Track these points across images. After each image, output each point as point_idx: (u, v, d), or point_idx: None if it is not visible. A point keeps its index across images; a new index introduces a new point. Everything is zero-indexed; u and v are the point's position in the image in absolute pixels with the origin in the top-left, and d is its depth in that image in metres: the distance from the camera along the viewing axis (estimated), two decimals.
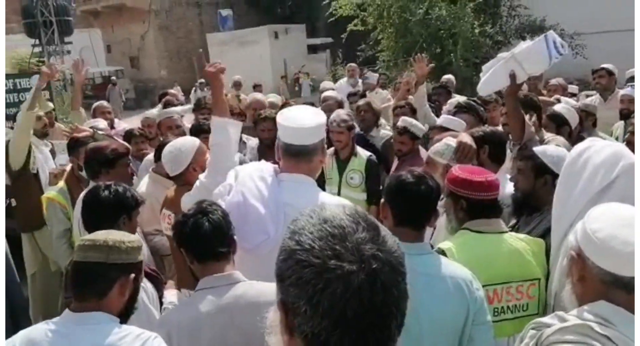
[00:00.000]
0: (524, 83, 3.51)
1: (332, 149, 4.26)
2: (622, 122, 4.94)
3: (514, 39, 12.67)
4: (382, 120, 5.32)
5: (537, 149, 2.66)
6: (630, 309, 1.36)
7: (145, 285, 2.30)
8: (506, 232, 2.26)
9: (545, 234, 2.47)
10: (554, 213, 2.10)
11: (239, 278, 2.03)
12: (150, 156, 4.18)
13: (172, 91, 9.39)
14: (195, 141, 3.15)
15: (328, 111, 5.24)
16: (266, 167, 2.38)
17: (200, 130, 4.04)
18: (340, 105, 5.56)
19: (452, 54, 11.89)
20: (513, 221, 2.73)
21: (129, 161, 3.28)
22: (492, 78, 3.27)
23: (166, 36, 27.86)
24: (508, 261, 2.15)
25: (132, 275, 1.82)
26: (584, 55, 12.03)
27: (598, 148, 1.98)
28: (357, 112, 5.07)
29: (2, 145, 3.69)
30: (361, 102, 5.48)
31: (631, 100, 4.92)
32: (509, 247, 2.18)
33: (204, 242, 2.01)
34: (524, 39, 13.29)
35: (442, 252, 2.14)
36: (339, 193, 4.08)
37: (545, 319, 1.49)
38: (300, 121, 2.28)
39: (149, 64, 28.18)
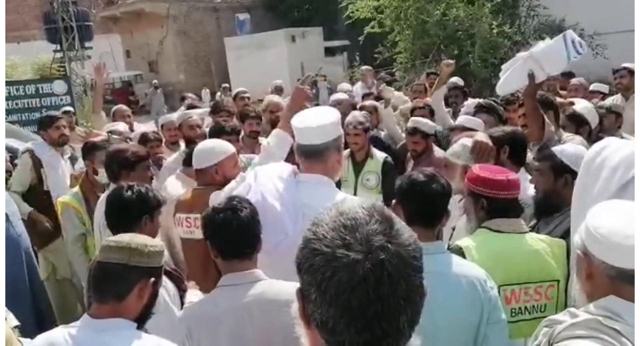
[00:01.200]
0: (543, 83, 3.46)
1: (347, 151, 4.27)
2: None
3: (532, 39, 12.51)
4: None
5: (555, 149, 2.64)
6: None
7: (167, 284, 2.33)
8: (526, 232, 2.24)
9: (566, 234, 2.46)
10: (572, 214, 2.08)
11: (259, 276, 2.06)
12: (172, 158, 4.21)
13: (191, 95, 9.50)
14: (230, 147, 3.17)
15: (343, 114, 5.39)
16: (285, 168, 2.41)
17: (221, 132, 4.07)
18: (354, 107, 5.58)
19: (470, 55, 11.80)
20: (533, 221, 2.71)
21: (149, 164, 3.31)
22: (510, 78, 3.25)
23: (184, 41, 28.12)
24: (527, 261, 2.13)
25: (152, 279, 1.84)
26: (604, 55, 11.85)
27: (615, 147, 1.97)
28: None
29: (2, 145, 3.74)
30: (366, 102, 5.52)
31: None
32: (528, 247, 2.16)
33: (230, 240, 2.04)
34: (542, 39, 13.12)
35: (460, 249, 2.14)
36: (355, 195, 4.08)
37: (557, 316, 1.52)
38: (308, 121, 2.32)
39: (168, 68, 28.46)
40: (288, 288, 2.03)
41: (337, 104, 5.83)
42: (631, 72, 5.74)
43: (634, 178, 1.86)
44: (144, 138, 4.59)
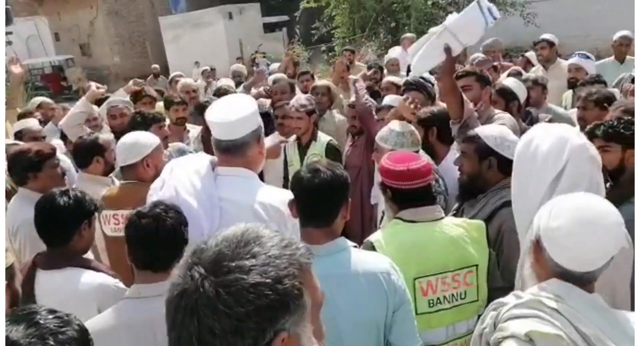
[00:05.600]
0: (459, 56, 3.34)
1: (294, 136, 4.20)
2: (571, 91, 4.92)
3: None
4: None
5: (479, 130, 2.59)
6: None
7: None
8: (442, 218, 2.19)
9: (491, 217, 2.46)
10: (514, 206, 2.05)
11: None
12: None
13: (139, 80, 9.04)
14: (155, 137, 3.04)
15: (281, 93, 5.23)
16: (202, 160, 2.28)
17: (142, 122, 3.85)
18: (292, 86, 5.44)
19: (406, 28, 11.80)
20: (457, 204, 2.70)
21: (57, 161, 3.09)
22: (425, 55, 3.06)
23: (116, 21, 26.92)
24: (442, 250, 2.09)
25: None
26: (535, 24, 12.08)
27: (543, 136, 1.95)
28: (314, 94, 4.93)
29: (2, 145, 3.47)
30: (319, 83, 5.36)
31: (578, 69, 4.91)
32: (443, 235, 2.12)
33: (148, 252, 1.92)
34: None
35: (371, 244, 2.08)
36: None
37: (503, 299, 1.57)
38: (225, 115, 2.17)
39: (101, 50, 27.25)
40: None
41: (274, 82, 5.76)
42: (550, 44, 5.83)
43: (566, 165, 1.85)
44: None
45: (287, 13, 21.88)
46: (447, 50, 3.01)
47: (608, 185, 2.41)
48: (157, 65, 12.59)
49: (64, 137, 4.62)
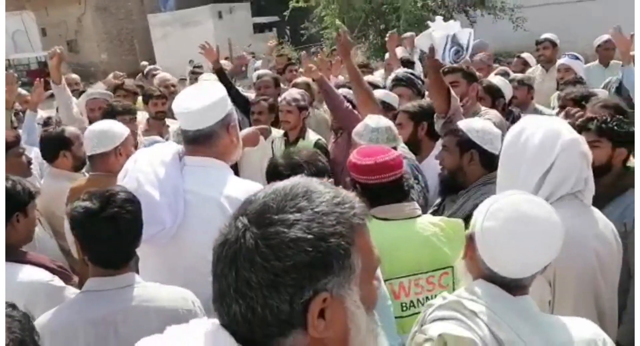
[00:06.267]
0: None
1: (282, 132, 4.08)
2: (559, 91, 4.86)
3: (456, 13, 12.60)
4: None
5: (461, 123, 2.52)
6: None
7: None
8: (418, 216, 2.08)
9: (472, 214, 2.36)
10: None
11: (131, 280, 1.80)
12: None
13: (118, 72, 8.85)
14: (126, 128, 2.94)
15: (265, 88, 5.17)
16: (169, 150, 2.17)
17: (112, 112, 3.72)
18: (276, 81, 5.36)
19: (395, 29, 11.72)
20: (438, 200, 2.60)
21: (22, 149, 2.97)
22: (426, 39, 3.10)
23: (105, 17, 26.64)
24: (416, 250, 1.98)
25: None
26: (524, 28, 12.09)
27: (534, 128, 1.89)
28: None
29: (2, 145, 3.34)
30: (299, 79, 5.28)
31: (567, 69, 4.86)
32: (417, 234, 2.01)
33: (99, 248, 1.77)
34: (466, 13, 13.28)
35: None
36: None
37: (434, 300, 1.53)
38: (190, 104, 2.06)
39: (89, 47, 26.94)
40: (164, 293, 1.81)
41: (258, 78, 5.67)
42: (553, 44, 5.76)
43: (556, 160, 1.81)
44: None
45: (278, 14, 21.79)
46: (431, 50, 3.02)
47: None
48: (146, 63, 12.34)
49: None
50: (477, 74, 4.05)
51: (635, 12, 2.33)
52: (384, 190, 2.03)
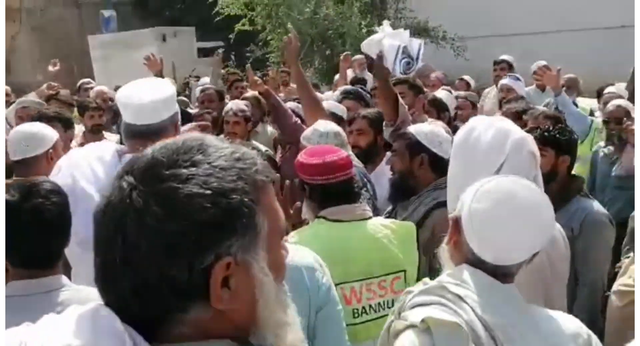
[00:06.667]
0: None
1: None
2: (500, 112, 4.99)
3: None
4: None
5: (410, 127, 2.53)
6: None
7: None
8: (369, 218, 2.01)
9: (424, 218, 2.33)
10: (449, 197, 1.93)
11: (59, 284, 1.61)
12: None
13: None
14: (55, 131, 2.77)
15: (208, 101, 5.11)
16: (107, 147, 2.11)
17: (40, 118, 3.50)
18: (220, 95, 5.32)
19: (343, 54, 11.87)
20: (390, 208, 2.55)
21: None
22: (375, 43, 3.09)
23: (42, 38, 25.76)
24: (367, 253, 1.91)
25: None
26: (465, 57, 12.52)
27: (484, 127, 1.87)
28: None
29: (2, 144, 3.04)
30: (249, 94, 5.24)
31: (509, 90, 5.02)
32: (369, 237, 1.94)
33: (22, 245, 1.56)
34: None
35: None
36: None
37: (413, 287, 1.47)
38: (139, 96, 1.96)
39: (22, 68, 25.85)
40: (97, 297, 1.63)
41: (201, 91, 5.64)
42: (510, 65, 6.27)
43: (507, 159, 1.78)
44: None
45: (223, 39, 21.81)
46: (380, 57, 3.04)
47: None
48: (89, 79, 11.83)
49: None
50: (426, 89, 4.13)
51: (635, 12, 2.41)
52: (334, 190, 1.95)
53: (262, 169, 0.77)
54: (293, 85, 8.14)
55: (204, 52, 25.46)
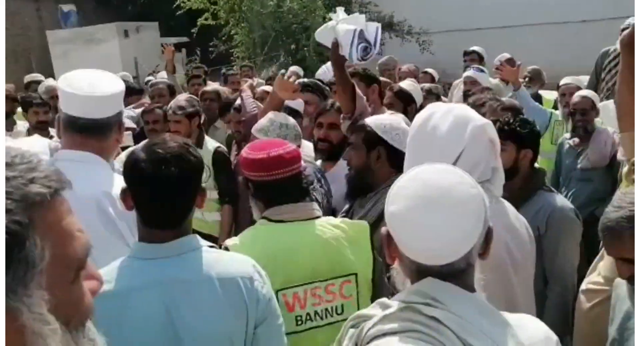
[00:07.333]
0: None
1: None
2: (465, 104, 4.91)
3: None
4: None
5: (368, 119, 2.36)
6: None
7: None
8: (316, 217, 1.84)
9: (381, 217, 2.18)
10: None
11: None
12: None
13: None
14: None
15: (158, 96, 4.88)
16: (38, 143, 2.04)
17: None
18: (171, 89, 5.06)
19: (305, 48, 11.70)
20: (347, 206, 2.40)
21: None
22: (327, 33, 2.91)
23: None
24: (313, 255, 1.74)
25: None
26: (430, 51, 12.50)
27: (442, 113, 1.74)
28: (202, 100, 4.62)
29: (2, 144, 2.75)
30: (208, 88, 5.09)
31: (473, 82, 4.92)
32: (315, 237, 1.76)
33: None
34: None
35: (227, 250, 1.70)
36: None
37: (365, 311, 1.21)
38: (92, 88, 1.82)
39: None
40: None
41: (152, 86, 5.44)
42: (480, 57, 6.19)
43: (467, 146, 1.68)
44: None
45: (188, 35, 21.41)
46: (335, 45, 2.82)
47: None
48: (37, 74, 11.32)
49: None
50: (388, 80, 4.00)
51: (635, 12, 2.33)
52: (279, 187, 1.78)
53: (42, 178, 0.60)
54: (259, 80, 8.02)
55: None
